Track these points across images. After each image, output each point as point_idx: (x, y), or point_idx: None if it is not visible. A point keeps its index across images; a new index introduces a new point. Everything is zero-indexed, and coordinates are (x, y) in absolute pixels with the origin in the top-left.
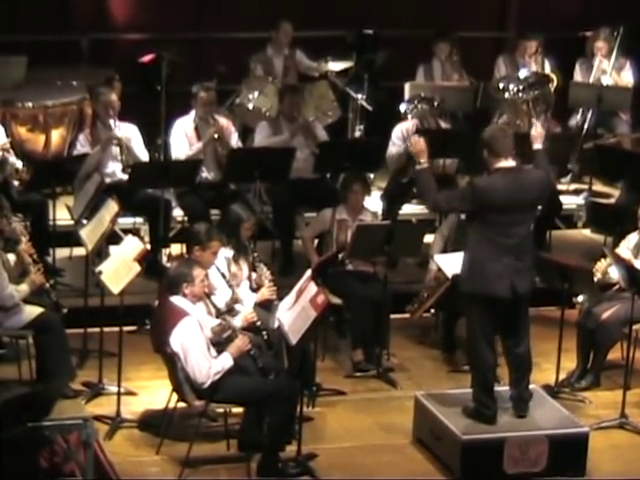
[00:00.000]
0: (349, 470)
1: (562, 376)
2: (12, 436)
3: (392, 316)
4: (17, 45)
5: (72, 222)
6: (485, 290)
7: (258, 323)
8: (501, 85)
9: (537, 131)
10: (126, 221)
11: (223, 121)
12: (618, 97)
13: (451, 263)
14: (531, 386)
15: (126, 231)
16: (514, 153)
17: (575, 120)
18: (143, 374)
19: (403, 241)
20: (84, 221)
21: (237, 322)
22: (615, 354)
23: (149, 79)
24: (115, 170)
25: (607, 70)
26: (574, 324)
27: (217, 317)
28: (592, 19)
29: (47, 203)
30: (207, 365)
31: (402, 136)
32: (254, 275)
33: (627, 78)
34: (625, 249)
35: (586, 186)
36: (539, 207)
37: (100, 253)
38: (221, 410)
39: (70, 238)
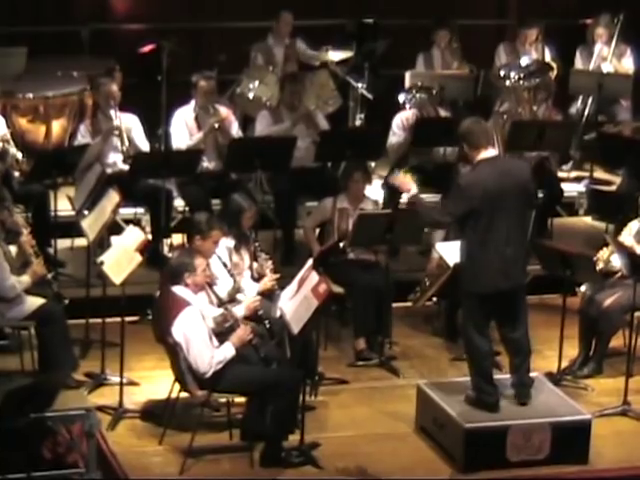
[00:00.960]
0: (352, 459)
1: (564, 364)
2: (15, 427)
3: (394, 305)
4: (17, 36)
5: (73, 213)
6: (480, 289)
7: (260, 312)
8: (502, 73)
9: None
10: (127, 211)
11: (223, 111)
12: (619, 84)
13: (453, 251)
14: (534, 374)
15: (127, 221)
16: (493, 142)
17: (576, 107)
18: (145, 364)
19: (404, 229)
20: (85, 212)
21: (240, 310)
22: (617, 341)
23: (149, 69)
24: (116, 160)
25: (607, 57)
26: (576, 312)
27: (219, 307)
28: (592, 6)
29: (48, 194)
30: (209, 355)
31: (402, 125)
32: (255, 265)
33: (627, 65)
34: (627, 236)
35: (587, 174)
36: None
37: (102, 244)
38: (224, 400)
39: (71, 229)
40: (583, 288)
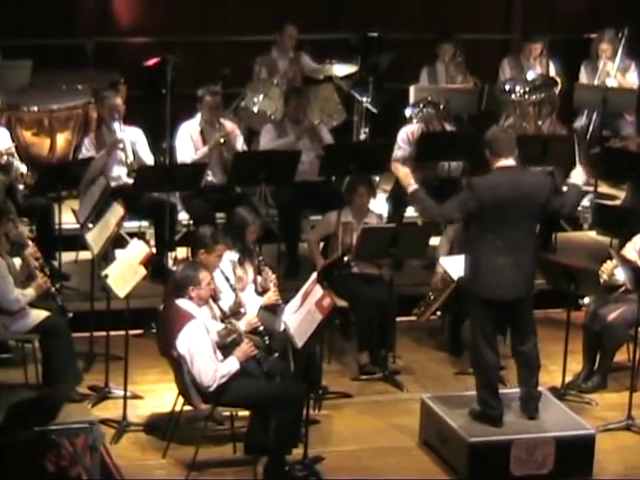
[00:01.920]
0: (356, 473)
1: (568, 378)
2: (19, 440)
3: (398, 318)
4: (22, 49)
5: (78, 226)
6: (485, 293)
7: (261, 328)
8: (507, 87)
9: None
10: (132, 225)
11: (228, 125)
12: (623, 99)
13: (457, 265)
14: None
15: (132, 235)
16: (515, 153)
17: (580, 122)
18: (149, 378)
19: (409, 243)
20: (90, 225)
21: (241, 326)
22: (621, 356)
23: (154, 82)
24: (120, 174)
25: (612, 72)
26: (580, 326)
27: (222, 321)
28: (597, 21)
29: (52, 207)
30: (213, 368)
31: (407, 139)
32: (259, 278)
33: (632, 80)
34: (631, 250)
35: (592, 188)
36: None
37: (106, 257)
38: (227, 413)
39: (76, 242)
40: (587, 300)
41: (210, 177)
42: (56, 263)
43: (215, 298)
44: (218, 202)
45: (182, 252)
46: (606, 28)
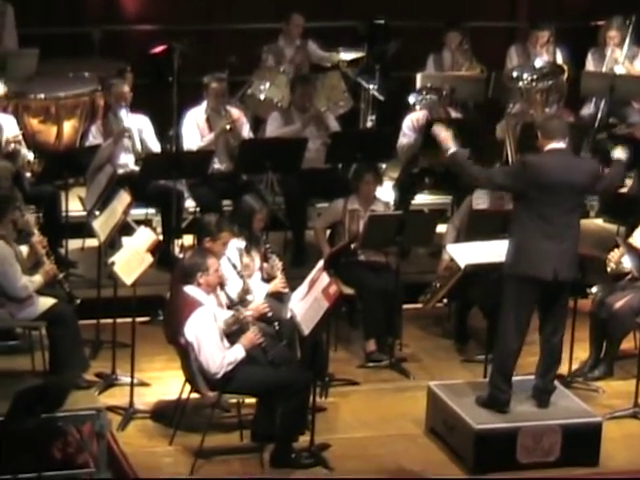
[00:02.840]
0: (362, 460)
1: (575, 366)
2: (26, 427)
3: (404, 306)
4: (29, 37)
5: (84, 213)
6: (528, 272)
7: (270, 314)
8: (515, 74)
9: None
10: (138, 212)
11: (235, 112)
12: (630, 86)
13: (463, 253)
14: None
15: (138, 222)
16: (566, 139)
17: (588, 109)
18: (156, 365)
19: (415, 231)
20: (96, 212)
21: (249, 312)
22: (628, 344)
23: (161, 70)
24: (127, 161)
25: (619, 59)
26: (587, 314)
27: (230, 308)
28: (603, 9)
29: (59, 195)
30: (221, 356)
31: (412, 126)
32: (266, 266)
33: (639, 67)
34: (638, 238)
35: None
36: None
37: (113, 244)
38: (234, 401)
39: (82, 229)
40: (594, 290)
41: (217, 165)
42: (63, 250)
43: (222, 285)
44: (225, 190)
45: (189, 240)
46: (614, 15)
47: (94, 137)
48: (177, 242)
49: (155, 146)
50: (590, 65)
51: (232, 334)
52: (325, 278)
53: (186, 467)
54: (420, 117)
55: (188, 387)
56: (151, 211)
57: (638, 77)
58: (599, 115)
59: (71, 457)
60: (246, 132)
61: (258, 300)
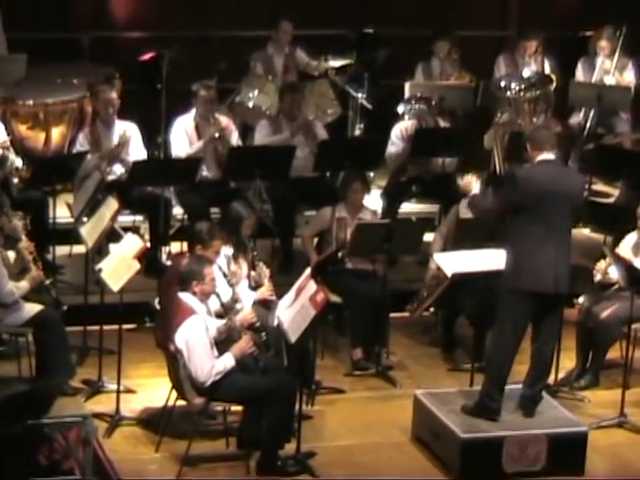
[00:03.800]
0: (348, 468)
1: (561, 375)
2: (12, 433)
3: (392, 314)
4: (17, 42)
5: (72, 220)
6: (529, 286)
7: (257, 324)
8: (503, 83)
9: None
10: (126, 219)
11: (223, 119)
12: (618, 96)
13: (451, 262)
14: None
15: (126, 229)
16: (555, 149)
17: (576, 119)
18: (142, 372)
19: (403, 239)
20: (84, 219)
21: (237, 322)
22: (614, 353)
23: (149, 77)
24: (115, 168)
25: (610, 70)
26: (573, 323)
27: (219, 317)
28: (592, 18)
29: (47, 201)
30: (210, 365)
31: (401, 135)
32: (253, 273)
33: (629, 78)
34: (625, 248)
35: (586, 185)
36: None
37: (100, 251)
38: (220, 408)
39: (70, 236)
40: (581, 300)
41: (205, 172)
42: (50, 256)
43: (217, 294)
44: (213, 197)
45: (176, 247)
46: (605, 25)
47: (82, 145)
48: (165, 249)
49: (142, 154)
50: (580, 75)
51: (223, 342)
52: (312, 286)
53: (172, 474)
54: (409, 126)
55: (174, 394)
56: (139, 218)
57: (625, 87)
58: (587, 125)
59: (57, 463)
60: (235, 139)
61: (246, 309)
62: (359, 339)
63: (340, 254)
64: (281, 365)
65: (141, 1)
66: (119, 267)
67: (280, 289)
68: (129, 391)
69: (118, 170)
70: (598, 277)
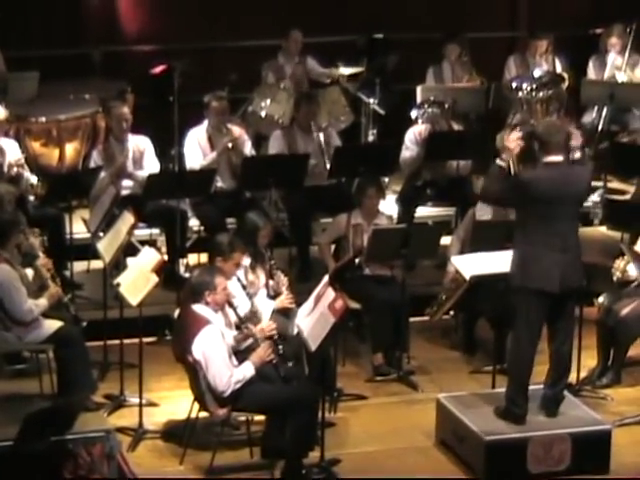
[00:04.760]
0: (373, 474)
1: (583, 374)
2: (36, 450)
3: (411, 319)
4: (29, 60)
5: (89, 235)
6: (535, 284)
7: (276, 337)
8: (514, 84)
9: (577, 141)
10: (142, 232)
11: (236, 130)
12: (631, 94)
13: (468, 264)
14: None
15: (143, 242)
16: (565, 149)
17: (589, 117)
18: (164, 385)
19: (420, 244)
20: (101, 234)
21: (256, 333)
22: (635, 350)
23: (161, 90)
24: (124, 183)
25: (621, 67)
26: (594, 322)
27: (238, 327)
28: (602, 16)
29: (63, 217)
30: (228, 374)
31: (415, 140)
32: (271, 282)
33: None
34: None
35: (601, 183)
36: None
37: (118, 265)
38: (243, 418)
39: (87, 251)
40: (601, 299)
41: (219, 183)
42: (68, 273)
43: (232, 304)
44: (228, 207)
45: (194, 259)
46: (614, 23)
47: (96, 163)
48: (182, 261)
49: (155, 167)
50: (591, 72)
51: (242, 351)
52: (331, 293)
53: None
54: (422, 130)
55: (197, 406)
56: (155, 231)
57: (638, 84)
58: (601, 123)
59: (82, 479)
60: (248, 149)
61: (265, 321)
62: (380, 345)
63: (357, 260)
64: (302, 373)
65: (150, 14)
66: (137, 281)
67: (299, 297)
68: (151, 404)
69: (127, 185)
70: (617, 275)
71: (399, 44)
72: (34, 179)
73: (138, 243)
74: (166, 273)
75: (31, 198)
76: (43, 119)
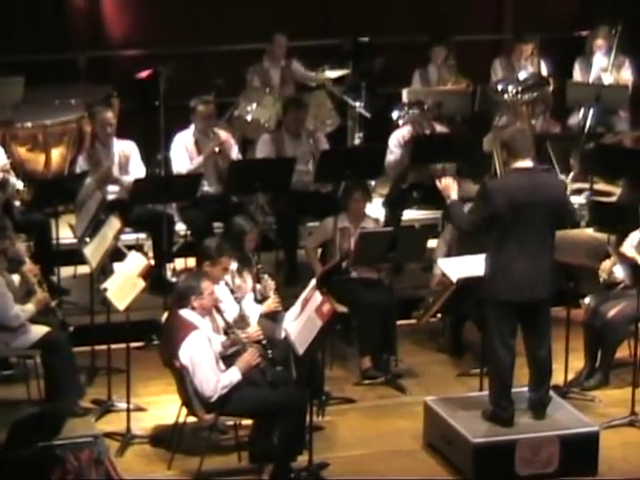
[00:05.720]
0: (361, 478)
1: (570, 376)
2: (24, 456)
3: (399, 322)
4: (14, 65)
5: (75, 240)
6: (503, 296)
7: (264, 342)
8: (500, 87)
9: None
10: (129, 237)
11: (223, 134)
12: (616, 95)
13: (455, 267)
14: None
15: (129, 247)
16: (532, 154)
17: (575, 119)
18: (152, 389)
19: (407, 247)
20: (87, 239)
21: (242, 338)
22: (623, 352)
23: (147, 95)
24: (110, 189)
25: (607, 68)
26: (581, 324)
27: (226, 333)
28: (587, 18)
29: (49, 222)
30: (215, 379)
31: (399, 143)
32: (258, 286)
33: (626, 76)
34: (629, 247)
35: (588, 185)
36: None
37: (104, 270)
38: (231, 423)
39: (74, 256)
40: (587, 300)
41: (206, 187)
42: (55, 278)
43: (219, 309)
44: (215, 212)
45: (180, 263)
46: (600, 25)
47: (81, 168)
48: (169, 266)
49: (141, 172)
50: (577, 74)
51: (230, 356)
52: (318, 297)
53: None
54: (405, 133)
55: (185, 410)
56: (142, 236)
57: (623, 86)
58: (587, 125)
59: None
60: (235, 154)
61: (252, 326)
62: (367, 348)
63: (344, 264)
64: (290, 377)
65: (136, 19)
66: (124, 286)
67: (286, 301)
68: (139, 409)
69: (114, 190)
70: (603, 277)
71: (385, 47)
72: (20, 184)
73: (125, 248)
74: (153, 278)
75: (17, 203)
76: (29, 124)
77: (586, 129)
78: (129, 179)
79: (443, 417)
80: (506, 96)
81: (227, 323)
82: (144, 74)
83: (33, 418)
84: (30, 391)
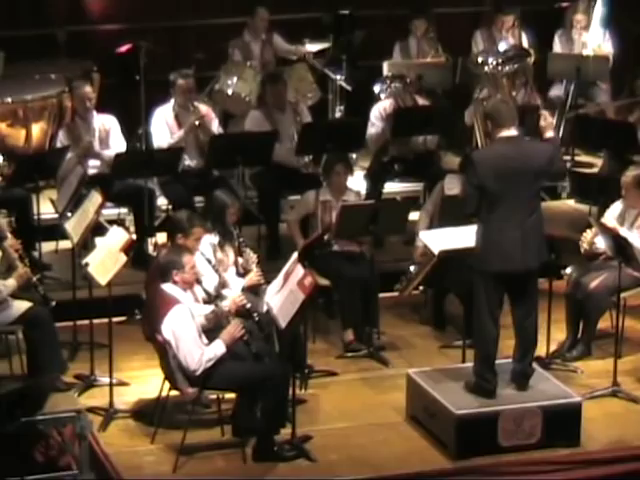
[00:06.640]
0: (344, 450)
1: (553, 347)
2: (6, 432)
3: (381, 295)
4: None
5: (57, 215)
6: (495, 267)
7: (248, 306)
8: (480, 59)
9: (547, 121)
10: (110, 212)
11: (203, 108)
12: (597, 67)
13: (437, 239)
14: None
15: (111, 222)
16: (516, 123)
17: (556, 91)
18: (134, 364)
19: (388, 219)
20: (69, 214)
21: (226, 306)
22: (605, 323)
23: (127, 69)
24: (91, 163)
25: (588, 42)
26: (562, 295)
27: (208, 303)
28: None
29: (31, 198)
30: (199, 352)
31: (380, 116)
32: (240, 260)
33: (606, 49)
34: (610, 218)
35: (569, 157)
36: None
37: (86, 245)
38: (214, 396)
39: (55, 232)
40: (569, 271)
41: (187, 161)
42: (36, 253)
43: (198, 281)
44: (196, 186)
45: (162, 237)
46: None
47: (62, 141)
48: (151, 240)
49: (121, 146)
50: (557, 47)
51: (213, 330)
52: (300, 270)
53: (169, 465)
54: (387, 106)
55: (167, 385)
56: (123, 210)
57: (604, 58)
58: (569, 97)
59: (53, 460)
60: (215, 127)
61: (235, 293)
62: (349, 321)
63: (326, 237)
64: (273, 351)
65: None
66: (106, 261)
67: (268, 275)
68: (122, 384)
69: (95, 164)
70: (585, 248)
71: (365, 20)
72: (0, 160)
73: (106, 223)
74: (135, 252)
75: None
76: (9, 100)
77: (567, 101)
78: (110, 153)
79: (426, 389)
80: (487, 68)
81: (208, 294)
82: (124, 48)
83: (15, 393)
84: (12, 366)
